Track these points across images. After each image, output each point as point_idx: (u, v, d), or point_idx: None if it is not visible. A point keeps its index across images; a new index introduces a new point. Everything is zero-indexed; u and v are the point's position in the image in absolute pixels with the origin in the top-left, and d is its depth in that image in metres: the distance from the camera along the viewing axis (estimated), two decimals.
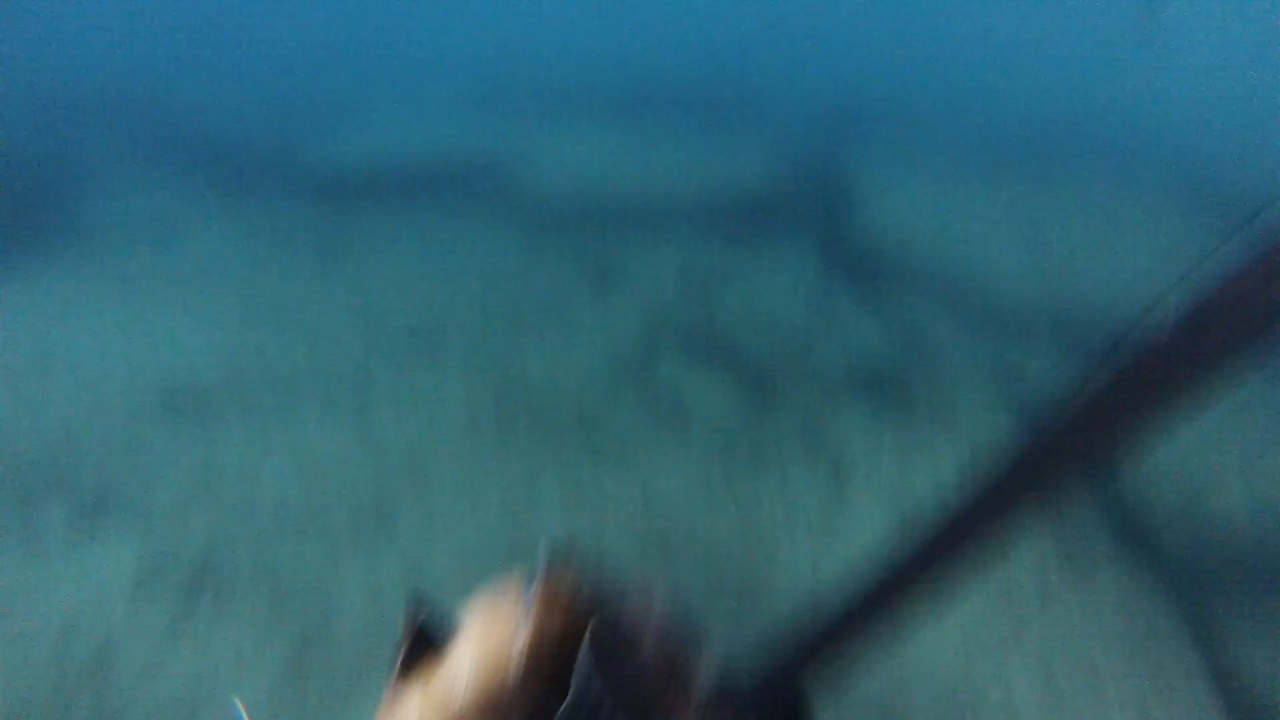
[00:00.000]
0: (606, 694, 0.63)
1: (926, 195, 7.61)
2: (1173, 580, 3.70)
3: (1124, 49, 15.14)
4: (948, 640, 3.31)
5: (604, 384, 4.77)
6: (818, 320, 5.70)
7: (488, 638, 0.71)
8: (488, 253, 6.56)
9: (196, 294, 5.60)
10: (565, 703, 0.62)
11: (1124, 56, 14.75)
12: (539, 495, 3.90)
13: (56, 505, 3.65)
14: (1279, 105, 11.17)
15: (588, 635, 0.65)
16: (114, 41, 13.21)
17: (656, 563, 3.56)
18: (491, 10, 19.28)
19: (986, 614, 3.44)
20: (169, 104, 10.07)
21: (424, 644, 0.76)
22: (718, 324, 5.53)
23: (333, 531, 3.59)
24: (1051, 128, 10.16)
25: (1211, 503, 3.88)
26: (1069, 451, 0.75)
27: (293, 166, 8.09)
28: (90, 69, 11.34)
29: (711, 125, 9.36)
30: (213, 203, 7.17)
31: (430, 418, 4.40)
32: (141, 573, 3.23)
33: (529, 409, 4.52)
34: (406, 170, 7.97)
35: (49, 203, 6.88)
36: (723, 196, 7.36)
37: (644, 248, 6.68)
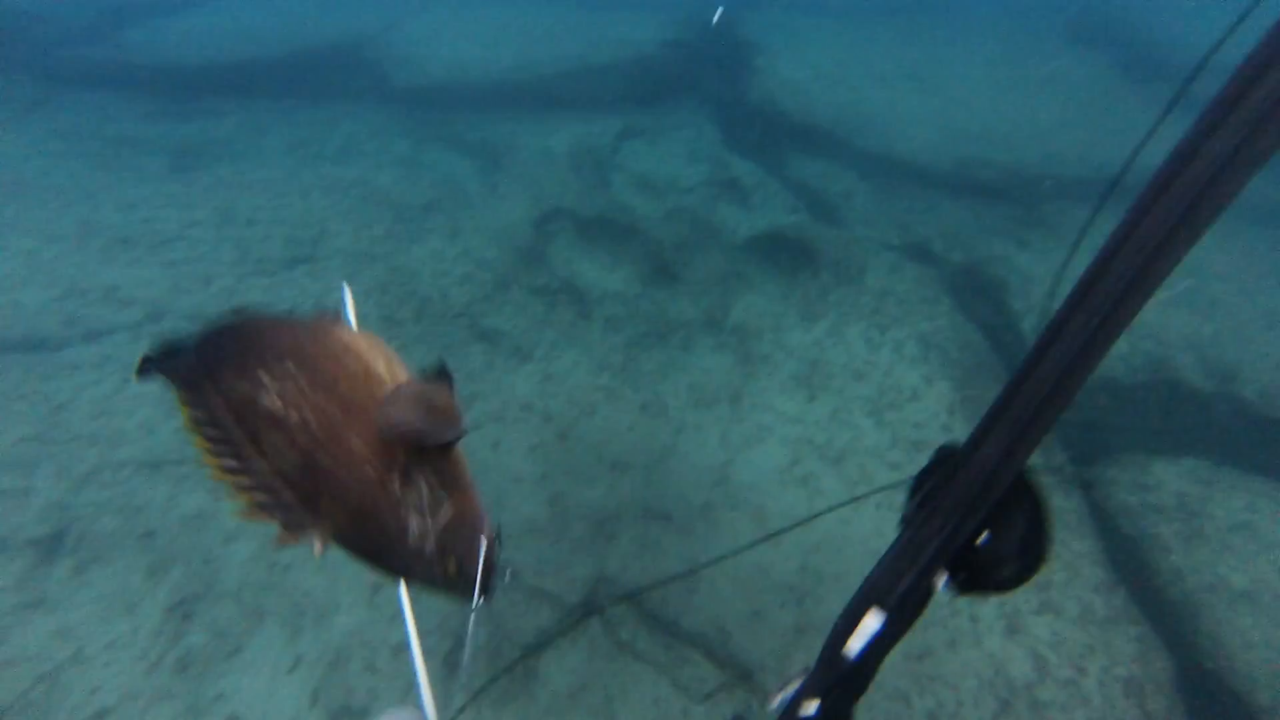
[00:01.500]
0: None
1: (816, 53, 7.00)
2: (1079, 480, 3.69)
3: None
4: (866, 525, 3.22)
5: (496, 271, 4.29)
6: (717, 187, 5.25)
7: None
8: (366, 149, 5.75)
9: (8, 210, 4.69)
10: None
11: None
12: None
13: None
14: None
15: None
16: None
17: (555, 445, 3.31)
18: None
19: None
20: None
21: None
22: (615, 198, 5.03)
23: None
24: None
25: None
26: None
27: (127, 64, 6.82)
28: None
29: None
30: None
31: None
32: None
33: (418, 304, 4.04)
34: (269, 66, 6.82)
35: None
36: (614, 68, 6.56)
37: (534, 127, 5.95)
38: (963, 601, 2.84)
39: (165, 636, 2.61)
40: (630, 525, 3.00)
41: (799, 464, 3.36)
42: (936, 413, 3.65)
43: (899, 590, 0.69)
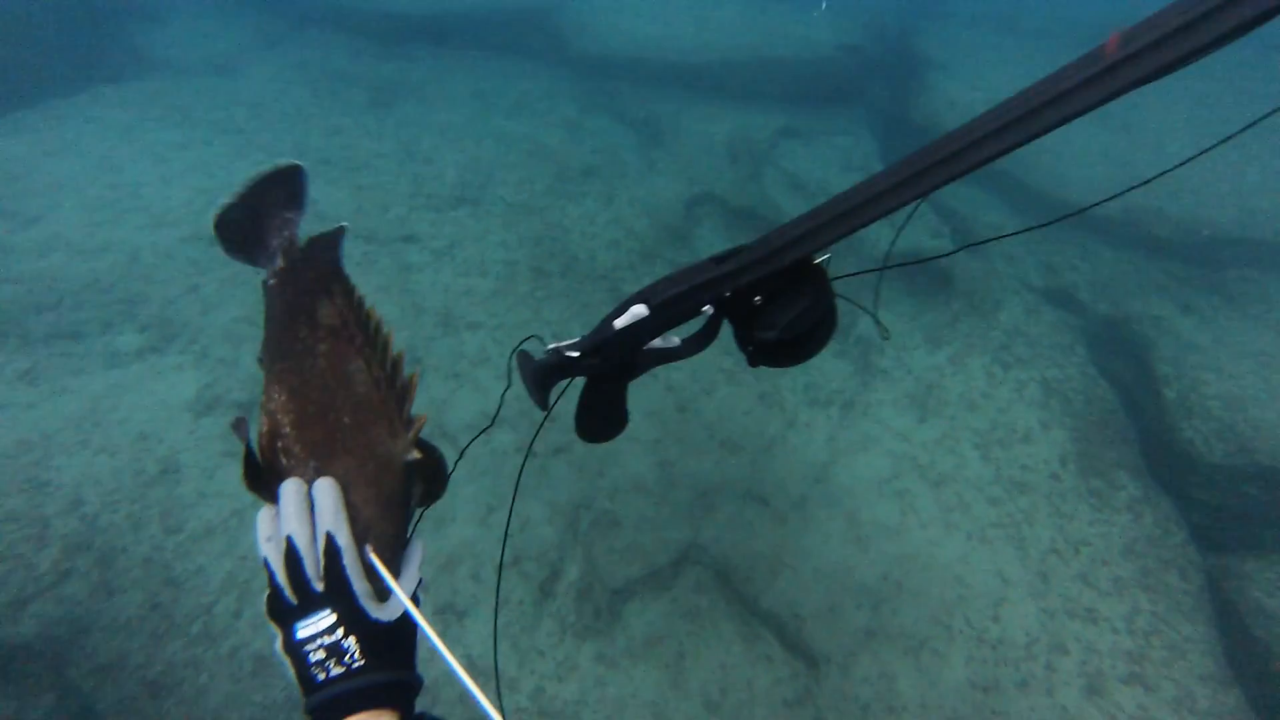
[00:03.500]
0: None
1: (996, 74, 6.61)
2: (1185, 494, 3.45)
3: None
4: (954, 551, 3.21)
5: (643, 242, 4.48)
6: None
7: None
8: (538, 107, 6.07)
9: (249, 128, 5.38)
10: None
11: None
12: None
13: (130, 330, 3.71)
14: None
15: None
16: None
17: (673, 415, 3.47)
18: None
19: (1000, 522, 3.30)
20: None
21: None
22: (765, 193, 5.07)
23: None
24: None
25: (1243, 425, 3.52)
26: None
27: (348, 7, 7.47)
28: None
29: None
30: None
31: (466, 265, 4.25)
32: (199, 398, 3.31)
33: (566, 260, 4.30)
34: (463, 19, 7.27)
35: (113, 43, 6.56)
36: (786, 64, 6.50)
37: (699, 110, 6.05)
38: (1039, 648, 2.80)
39: None
40: (729, 502, 3.15)
41: (898, 479, 3.37)
42: (1048, 459, 3.53)
43: (666, 296, 0.83)
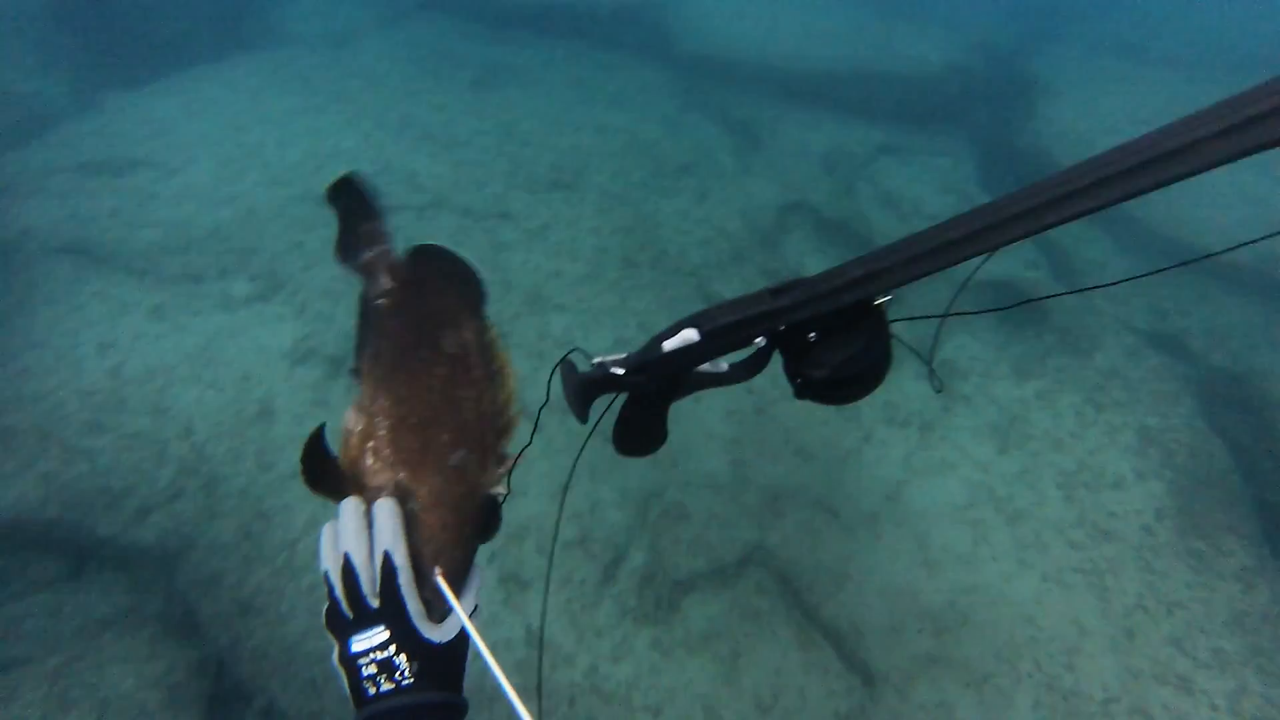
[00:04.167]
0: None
1: (1113, 104, 6.28)
2: None
3: None
4: (1026, 589, 3.09)
5: (734, 243, 4.48)
6: None
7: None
8: (637, 101, 6.15)
9: (361, 98, 5.66)
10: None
11: None
12: (651, 333, 3.83)
13: (243, 279, 3.97)
14: None
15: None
16: None
17: (751, 416, 3.47)
18: None
19: (1080, 568, 3.16)
20: None
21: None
22: (858, 208, 5.00)
23: None
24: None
25: None
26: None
27: None
28: None
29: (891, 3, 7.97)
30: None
31: (558, 247, 4.35)
32: (296, 348, 3.51)
33: (656, 253, 4.34)
34: (569, 10, 7.42)
35: (251, 16, 7.02)
36: (891, 78, 6.38)
37: (797, 119, 6.02)
38: (1118, 708, 2.67)
39: None
40: (799, 509, 3.13)
41: (973, 508, 3.27)
42: (1140, 509, 3.35)
43: (719, 324, 0.82)
